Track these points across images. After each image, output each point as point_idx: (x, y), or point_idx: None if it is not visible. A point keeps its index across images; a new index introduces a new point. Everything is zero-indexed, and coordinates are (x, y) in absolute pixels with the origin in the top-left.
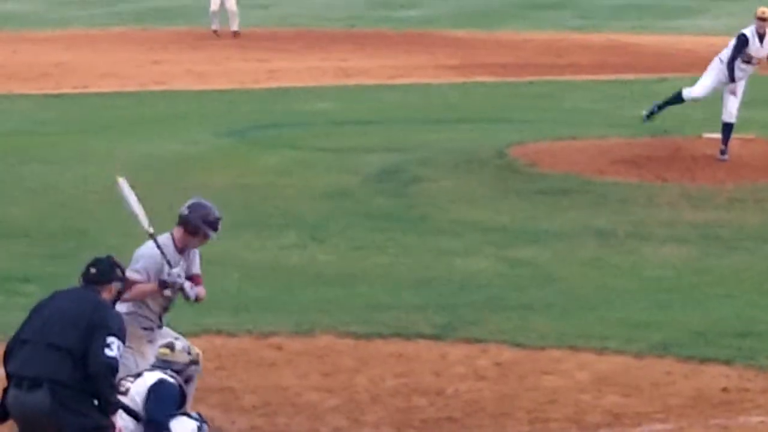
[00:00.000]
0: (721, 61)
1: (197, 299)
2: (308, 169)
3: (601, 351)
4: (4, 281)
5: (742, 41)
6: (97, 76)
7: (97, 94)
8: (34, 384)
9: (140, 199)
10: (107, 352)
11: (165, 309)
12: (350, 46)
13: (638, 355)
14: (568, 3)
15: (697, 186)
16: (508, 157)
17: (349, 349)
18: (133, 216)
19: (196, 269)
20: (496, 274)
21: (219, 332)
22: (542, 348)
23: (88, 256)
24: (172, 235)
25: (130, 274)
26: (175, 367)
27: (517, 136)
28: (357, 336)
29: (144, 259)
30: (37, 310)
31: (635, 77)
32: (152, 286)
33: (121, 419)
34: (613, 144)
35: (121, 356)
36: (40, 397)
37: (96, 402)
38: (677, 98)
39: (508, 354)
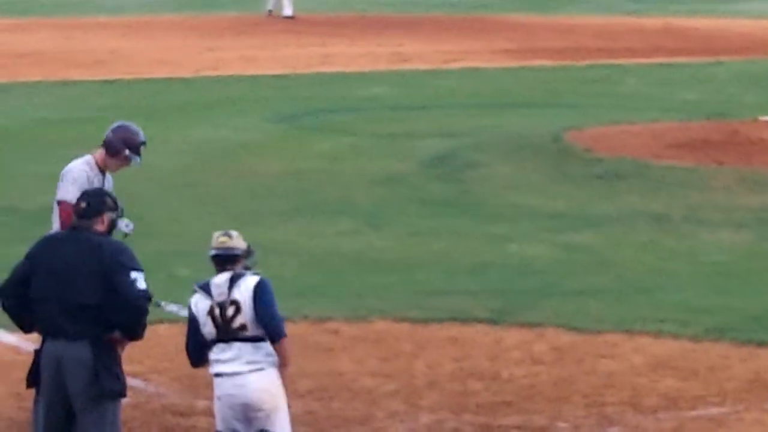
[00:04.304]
0: None
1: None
2: (363, 155)
3: (658, 335)
4: None
5: None
6: (151, 63)
7: (151, 81)
8: (76, 337)
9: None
10: (139, 286)
11: None
12: (405, 31)
13: (694, 338)
14: None
15: (754, 170)
16: (563, 142)
17: (406, 334)
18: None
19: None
20: (551, 259)
21: None
22: (598, 332)
23: (144, 242)
24: (93, 156)
25: (65, 195)
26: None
27: (572, 121)
28: (413, 321)
29: (78, 181)
30: (38, 264)
31: (690, 61)
32: None
33: None
34: (668, 128)
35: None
36: (84, 350)
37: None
38: None
39: (564, 338)
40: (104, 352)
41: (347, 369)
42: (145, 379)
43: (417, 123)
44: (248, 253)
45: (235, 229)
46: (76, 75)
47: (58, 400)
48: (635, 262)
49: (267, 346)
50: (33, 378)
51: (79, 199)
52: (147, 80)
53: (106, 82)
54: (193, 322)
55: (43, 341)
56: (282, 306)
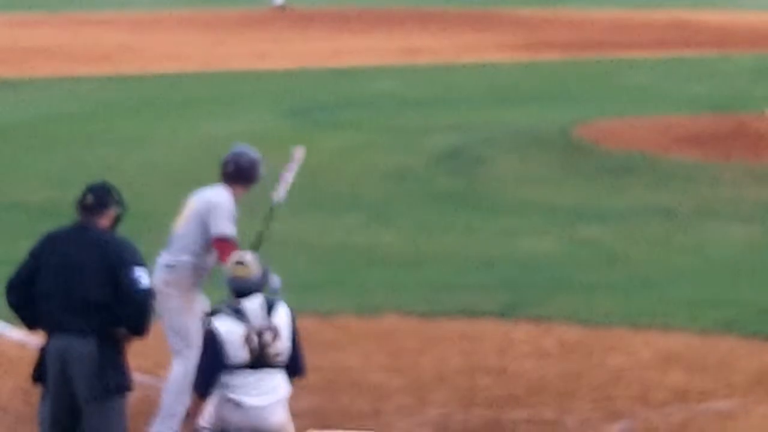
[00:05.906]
0: None
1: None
2: (372, 150)
3: (666, 329)
4: None
5: None
6: (159, 58)
7: (159, 76)
8: (80, 332)
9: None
10: (141, 283)
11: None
12: (415, 25)
13: (703, 332)
14: None
15: (762, 163)
16: (572, 136)
17: (414, 328)
18: (282, 180)
19: None
20: (560, 254)
21: None
22: (607, 326)
23: (151, 238)
24: (229, 191)
25: (224, 230)
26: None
27: (581, 115)
28: (421, 315)
29: (233, 216)
30: (43, 261)
31: (698, 54)
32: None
33: None
34: (676, 121)
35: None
36: (90, 345)
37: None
38: None
39: (572, 333)
40: (109, 347)
41: (355, 363)
42: (151, 374)
43: (427, 117)
44: (264, 278)
45: (245, 222)
46: (84, 70)
47: (63, 396)
48: (643, 256)
49: (285, 374)
50: (39, 373)
51: (85, 194)
52: (155, 75)
53: (114, 77)
54: (215, 345)
55: (49, 337)
56: (290, 300)
